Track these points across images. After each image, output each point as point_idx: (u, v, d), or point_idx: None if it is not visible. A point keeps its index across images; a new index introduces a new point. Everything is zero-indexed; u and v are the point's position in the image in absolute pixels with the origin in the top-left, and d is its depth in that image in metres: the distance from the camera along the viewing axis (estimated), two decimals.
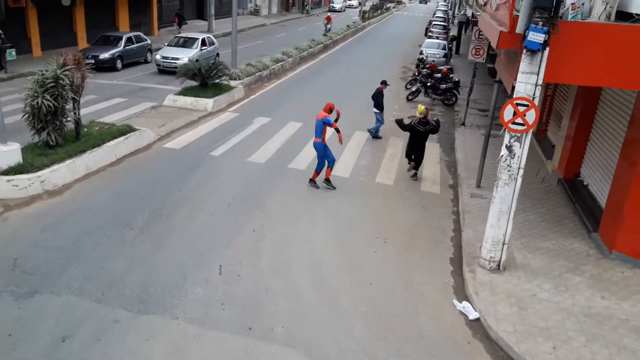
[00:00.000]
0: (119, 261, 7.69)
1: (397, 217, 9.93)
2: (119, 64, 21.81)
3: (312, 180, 11.15)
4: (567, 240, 9.09)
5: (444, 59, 26.36)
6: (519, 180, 7.41)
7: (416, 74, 22.11)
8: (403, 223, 9.70)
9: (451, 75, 20.90)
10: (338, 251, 8.51)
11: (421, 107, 12.06)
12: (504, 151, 7.36)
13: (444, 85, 19.55)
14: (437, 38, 32.54)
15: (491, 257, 7.88)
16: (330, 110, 10.99)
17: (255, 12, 51.78)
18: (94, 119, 13.33)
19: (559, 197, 11.07)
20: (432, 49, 27.04)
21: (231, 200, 10.08)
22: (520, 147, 7.25)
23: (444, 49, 27.39)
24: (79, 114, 11.16)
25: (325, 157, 10.94)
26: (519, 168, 7.35)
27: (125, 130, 12.33)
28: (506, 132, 7.28)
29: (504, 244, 7.79)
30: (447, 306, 7.22)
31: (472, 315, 7.03)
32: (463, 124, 16.60)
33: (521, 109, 7.04)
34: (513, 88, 7.31)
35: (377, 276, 7.80)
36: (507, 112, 7.14)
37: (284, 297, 7.14)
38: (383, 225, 9.53)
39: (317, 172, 11.10)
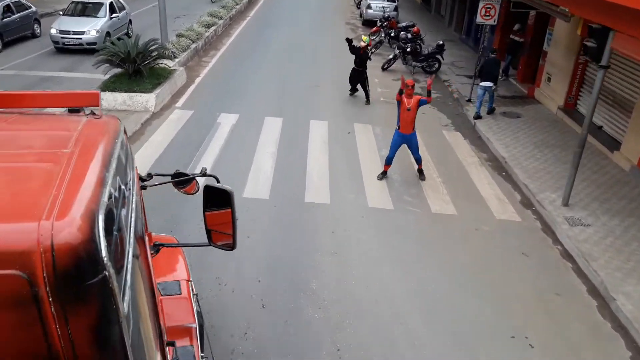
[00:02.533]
0: None
1: (506, 280, 6.77)
2: None
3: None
4: None
5: (395, 13, 23.06)
6: None
7: (383, 35, 18.68)
8: (522, 292, 6.59)
9: (422, 35, 17.78)
10: None
11: (365, 37, 14.11)
12: None
13: (426, 51, 16.38)
14: None
15: None
16: (408, 86, 9.05)
17: None
18: None
19: None
20: (380, 1, 23.55)
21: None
22: None
23: (393, 0, 23.99)
24: None
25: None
26: None
27: None
28: None
29: None
30: None
31: None
32: (469, 100, 13.63)
33: None
34: None
35: None
36: None
37: None
38: (500, 303, 6.35)
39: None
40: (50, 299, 1.17)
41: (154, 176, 3.09)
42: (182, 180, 3.35)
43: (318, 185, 8.88)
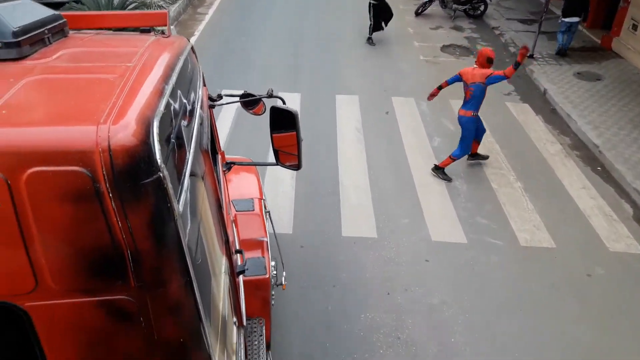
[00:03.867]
0: None
1: None
2: None
3: (439, 169, 7.06)
4: None
5: None
6: None
7: None
8: None
9: None
10: None
11: None
12: None
13: None
14: None
15: None
16: (489, 60, 6.52)
17: None
18: None
19: None
20: None
21: None
22: None
23: None
24: None
25: (477, 132, 6.96)
26: None
27: None
28: None
29: None
30: None
31: None
32: (532, 55, 10.84)
33: None
34: None
35: None
36: None
37: None
38: None
39: (454, 157, 6.92)
40: (111, 195, 1.28)
41: (223, 96, 3.00)
42: (249, 101, 3.39)
43: (357, 206, 6.46)
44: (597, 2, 12.13)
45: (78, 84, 1.63)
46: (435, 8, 13.71)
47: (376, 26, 11.51)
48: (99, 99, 1.43)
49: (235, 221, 3.74)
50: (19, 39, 1.70)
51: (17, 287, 1.35)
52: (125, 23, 2.58)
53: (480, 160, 7.36)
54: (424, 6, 13.67)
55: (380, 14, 11.38)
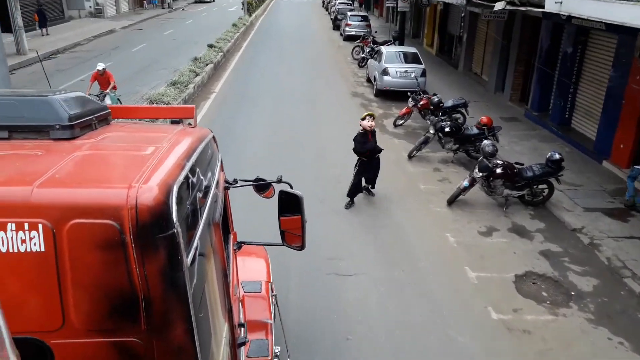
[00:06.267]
0: None
1: None
2: None
3: None
4: None
5: (423, 80, 16.05)
6: None
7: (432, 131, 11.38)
8: None
9: (497, 129, 10.96)
10: None
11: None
12: None
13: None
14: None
15: None
16: None
17: (98, 13, 37.50)
18: None
19: None
20: (400, 63, 16.55)
21: None
22: None
23: (419, 61, 16.87)
24: None
25: None
26: None
27: None
28: None
29: None
30: None
31: None
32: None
33: None
34: None
35: None
36: None
37: None
38: None
39: None
40: (133, 245, 1.55)
41: (238, 181, 3.29)
42: (261, 186, 3.60)
43: None
44: None
45: (116, 159, 2.06)
46: (476, 192, 9.40)
47: (356, 187, 8.87)
48: (132, 169, 1.77)
49: (242, 301, 4.05)
50: (72, 122, 2.14)
51: (46, 325, 1.59)
52: (159, 115, 3.74)
53: None
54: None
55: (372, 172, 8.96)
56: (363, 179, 8.96)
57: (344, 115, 14.20)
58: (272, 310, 4.40)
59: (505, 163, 8.91)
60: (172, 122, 2.90)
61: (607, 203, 9.40)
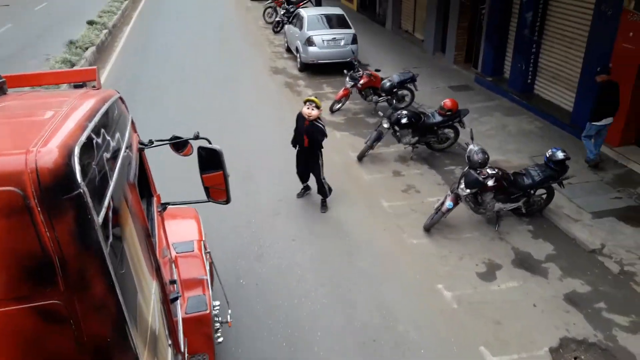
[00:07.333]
0: None
1: None
2: None
3: None
4: None
5: (355, 47, 13.52)
6: None
7: (385, 124, 8.86)
8: None
9: (463, 113, 8.77)
10: None
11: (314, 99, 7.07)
12: None
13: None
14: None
15: None
16: None
17: None
18: None
19: None
20: (326, 30, 13.80)
21: None
22: None
23: (347, 25, 14.14)
24: None
25: None
26: None
27: None
28: None
29: None
30: None
31: None
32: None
33: None
34: None
35: None
36: None
37: None
38: None
39: None
40: (39, 208, 1.49)
41: (154, 141, 3.17)
42: (178, 145, 3.47)
43: None
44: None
45: (13, 126, 1.93)
46: (464, 211, 7.12)
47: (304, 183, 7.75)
48: (30, 135, 1.65)
49: (175, 262, 4.01)
50: None
51: None
52: (59, 80, 3.46)
53: None
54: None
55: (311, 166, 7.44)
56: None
57: (267, 103, 11.47)
58: (207, 267, 4.40)
59: (499, 172, 6.69)
60: (75, 87, 2.83)
61: (614, 200, 7.54)
